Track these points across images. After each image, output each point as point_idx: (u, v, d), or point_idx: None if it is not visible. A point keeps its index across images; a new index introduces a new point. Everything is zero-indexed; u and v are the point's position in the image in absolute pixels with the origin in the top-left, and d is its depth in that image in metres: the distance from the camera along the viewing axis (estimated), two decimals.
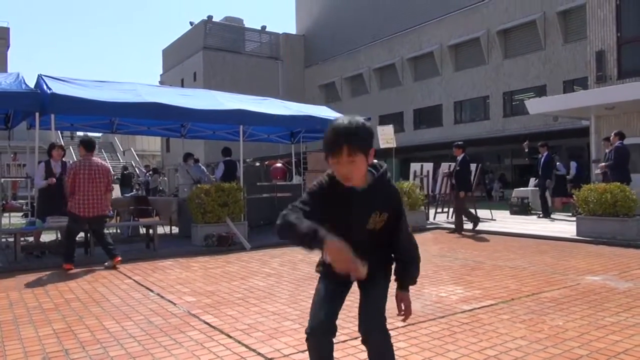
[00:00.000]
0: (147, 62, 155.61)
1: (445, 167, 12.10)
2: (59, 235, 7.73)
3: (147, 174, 18.70)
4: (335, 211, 1.95)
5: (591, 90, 13.90)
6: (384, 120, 29.36)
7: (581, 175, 12.54)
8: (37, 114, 7.24)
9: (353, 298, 2.11)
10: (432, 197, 12.10)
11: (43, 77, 7.85)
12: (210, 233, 7.99)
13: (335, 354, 2.95)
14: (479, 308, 4.06)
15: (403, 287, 2.09)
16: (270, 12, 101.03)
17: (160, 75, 42.73)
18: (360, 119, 1.85)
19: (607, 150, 9.88)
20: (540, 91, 23.25)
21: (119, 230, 9.44)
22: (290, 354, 3.07)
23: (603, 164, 9.70)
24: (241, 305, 4.33)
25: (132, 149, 34.60)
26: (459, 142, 9.95)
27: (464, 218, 9.56)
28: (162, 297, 4.69)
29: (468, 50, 27.56)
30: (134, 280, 5.53)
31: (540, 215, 12.10)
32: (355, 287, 2.09)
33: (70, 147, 33.55)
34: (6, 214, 8.89)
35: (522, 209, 13.29)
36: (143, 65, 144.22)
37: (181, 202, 9.40)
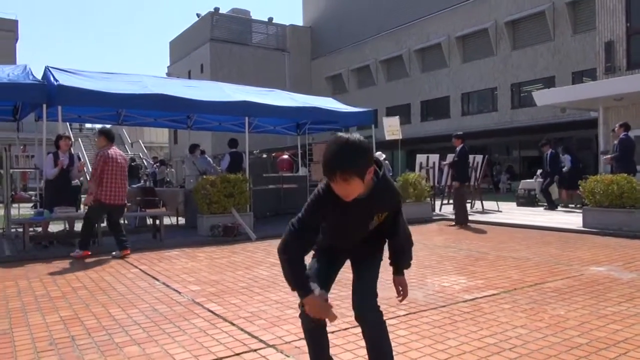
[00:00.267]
0: (154, 54, 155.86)
1: (450, 158, 12.07)
2: (66, 226, 7.83)
3: (154, 165, 18.82)
4: (336, 217, 2.01)
5: (599, 81, 13.77)
6: (390, 112, 29.26)
7: (576, 167, 12.42)
8: (44, 106, 7.31)
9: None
10: (438, 189, 12.08)
11: (50, 68, 7.91)
12: (216, 224, 8.05)
13: (336, 341, 3.03)
14: (480, 297, 4.08)
15: (399, 272, 2.25)
16: (277, 4, 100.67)
17: (168, 67, 42.82)
18: (355, 138, 1.82)
19: (615, 142, 9.82)
20: (549, 82, 23.04)
21: (126, 221, 9.51)
22: (292, 341, 3.11)
23: (608, 156, 9.64)
24: (245, 294, 4.38)
25: (140, 140, 34.72)
26: (459, 133, 9.92)
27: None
28: (167, 286, 4.75)
29: (476, 42, 27.34)
30: (140, 269, 5.60)
31: (547, 207, 12.07)
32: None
33: (79, 139, 33.77)
34: (15, 205, 9.00)
35: (528, 200, 13.25)
36: (150, 57, 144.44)
37: (187, 193, 9.47)
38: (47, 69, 7.95)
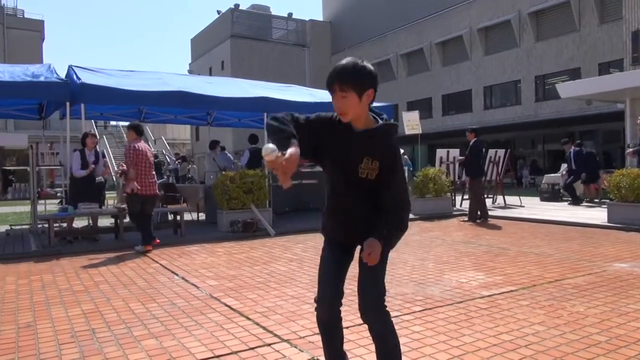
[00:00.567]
0: (176, 52, 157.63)
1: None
2: (90, 221, 8.01)
3: (177, 162, 19.06)
4: (332, 146, 1.99)
5: (626, 72, 13.39)
6: (411, 106, 29.00)
7: (588, 162, 12.14)
8: (67, 104, 7.47)
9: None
10: (459, 184, 11.95)
11: (73, 67, 8.08)
12: (235, 219, 8.13)
13: (351, 337, 3.04)
14: (498, 294, 4.03)
15: (379, 238, 1.93)
16: None
17: (189, 64, 43.26)
18: (361, 61, 1.92)
19: None
20: (575, 74, 22.52)
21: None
22: (306, 336, 3.13)
23: (630, 150, 9.39)
24: (262, 289, 4.42)
25: (162, 137, 35.20)
26: (473, 127, 9.74)
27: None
28: (186, 280, 4.83)
29: (499, 34, 26.88)
30: (160, 264, 5.70)
31: (571, 202, 11.84)
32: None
33: (104, 136, 34.43)
34: (42, 201, 9.23)
35: (552, 195, 13.00)
36: (172, 54, 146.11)
37: (207, 189, 9.58)
38: (70, 67, 8.13)
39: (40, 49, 33.82)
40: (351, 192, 2.03)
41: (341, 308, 2.18)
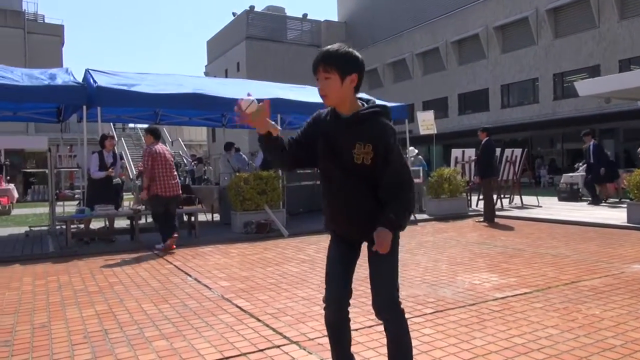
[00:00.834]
0: (193, 54, 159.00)
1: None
2: (107, 223, 8.12)
3: (192, 163, 19.23)
4: (324, 138, 2.01)
5: None
6: (427, 106, 28.81)
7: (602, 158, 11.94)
8: (84, 107, 7.58)
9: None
10: (473, 184, 11.82)
11: (90, 70, 8.20)
12: (249, 220, 8.16)
13: (360, 339, 3.02)
14: (512, 296, 3.97)
15: (385, 224, 1.91)
16: (311, 0, 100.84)
17: (205, 66, 43.60)
18: (345, 45, 1.98)
19: None
20: (594, 72, 22.11)
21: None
22: (315, 338, 3.12)
23: None
24: (273, 290, 4.42)
25: (179, 139, 35.56)
26: (485, 126, 9.62)
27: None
28: (199, 281, 4.86)
29: (516, 31, 26.53)
30: (174, 265, 5.75)
31: (590, 202, 11.62)
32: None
33: (122, 138, 34.89)
34: (60, 203, 9.39)
35: (571, 195, 12.80)
36: (189, 57, 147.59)
37: (222, 190, 9.64)
38: (87, 71, 8.25)
39: (60, 53, 34.38)
40: (350, 182, 1.98)
41: (350, 309, 2.17)
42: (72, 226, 7.27)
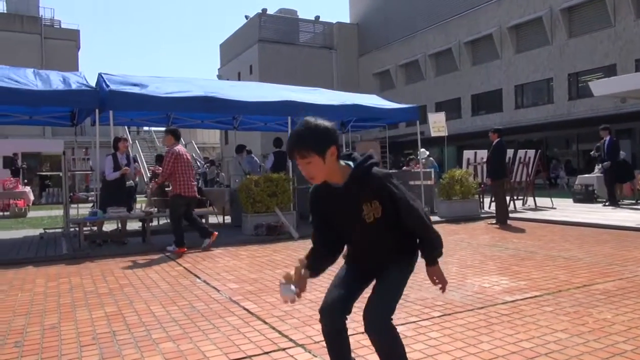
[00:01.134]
0: (206, 58, 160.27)
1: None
2: (119, 225, 8.20)
3: (205, 165, 19.36)
4: (331, 211, 2.03)
5: None
6: (440, 107, 28.62)
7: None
8: (96, 111, 7.68)
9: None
10: (486, 185, 11.71)
11: (102, 74, 8.30)
12: (259, 223, 8.18)
13: (365, 342, 2.98)
14: (521, 299, 3.92)
15: (427, 263, 2.10)
16: (323, 2, 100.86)
17: (218, 69, 43.88)
18: (313, 121, 1.91)
19: None
20: (610, 71, 21.77)
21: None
22: (321, 341, 3.09)
23: None
24: None
25: (193, 141, 35.86)
26: (497, 127, 9.51)
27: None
28: (207, 283, 4.88)
29: (530, 31, 26.25)
30: (184, 267, 5.79)
31: (607, 203, 11.43)
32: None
33: (136, 141, 35.30)
34: (74, 205, 9.52)
35: (586, 196, 12.60)
36: (203, 60, 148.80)
37: (233, 192, 9.68)
38: (100, 75, 8.35)
39: (76, 57, 34.88)
40: (368, 238, 2.05)
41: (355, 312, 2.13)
42: (85, 228, 7.37)
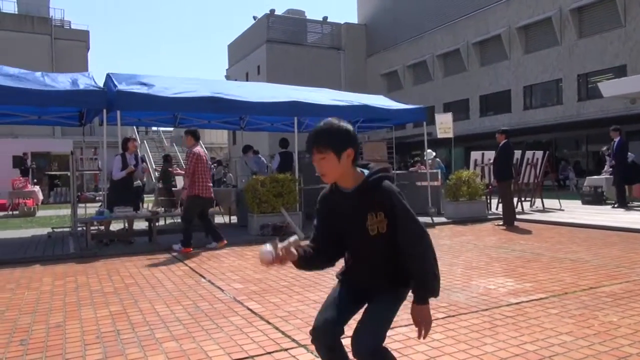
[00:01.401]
0: (215, 58, 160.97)
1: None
2: (126, 225, 8.25)
3: (213, 166, 19.44)
4: (336, 216, 2.00)
5: None
6: (448, 108, 28.51)
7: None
8: (104, 111, 7.73)
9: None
10: (494, 187, 11.64)
11: (110, 75, 8.36)
12: (265, 223, 8.20)
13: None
14: (527, 302, 3.89)
15: (415, 299, 1.91)
16: (331, 2, 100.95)
17: (226, 69, 44.02)
18: (335, 121, 1.93)
19: None
20: (620, 72, 21.58)
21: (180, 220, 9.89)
22: None
23: None
24: (285, 293, 4.43)
25: (200, 141, 36.21)
26: (503, 128, 9.45)
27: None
28: (212, 283, 4.90)
29: (539, 31, 26.10)
30: (189, 267, 5.81)
31: (616, 205, 11.32)
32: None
33: (145, 141, 35.52)
34: (82, 205, 9.59)
35: (595, 198, 12.49)
36: (211, 61, 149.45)
37: (239, 192, 9.71)
38: (107, 75, 8.41)
39: (85, 58, 35.15)
40: (368, 250, 1.97)
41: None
42: (92, 228, 7.42)
